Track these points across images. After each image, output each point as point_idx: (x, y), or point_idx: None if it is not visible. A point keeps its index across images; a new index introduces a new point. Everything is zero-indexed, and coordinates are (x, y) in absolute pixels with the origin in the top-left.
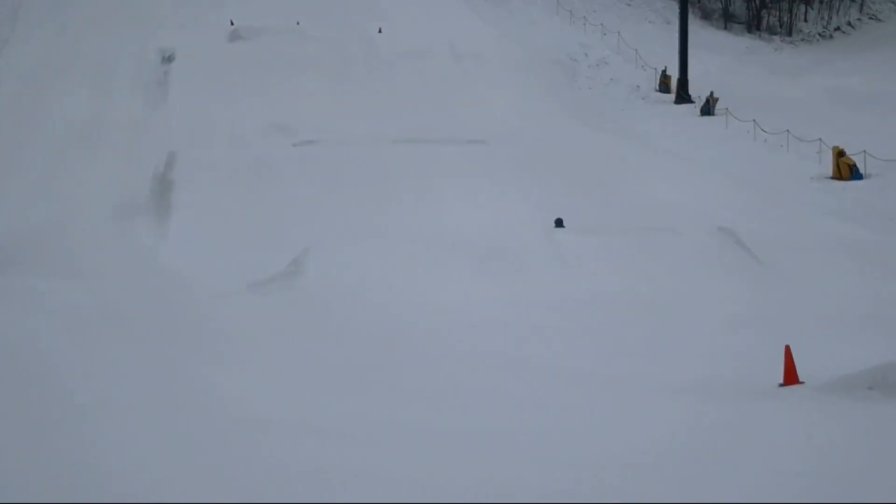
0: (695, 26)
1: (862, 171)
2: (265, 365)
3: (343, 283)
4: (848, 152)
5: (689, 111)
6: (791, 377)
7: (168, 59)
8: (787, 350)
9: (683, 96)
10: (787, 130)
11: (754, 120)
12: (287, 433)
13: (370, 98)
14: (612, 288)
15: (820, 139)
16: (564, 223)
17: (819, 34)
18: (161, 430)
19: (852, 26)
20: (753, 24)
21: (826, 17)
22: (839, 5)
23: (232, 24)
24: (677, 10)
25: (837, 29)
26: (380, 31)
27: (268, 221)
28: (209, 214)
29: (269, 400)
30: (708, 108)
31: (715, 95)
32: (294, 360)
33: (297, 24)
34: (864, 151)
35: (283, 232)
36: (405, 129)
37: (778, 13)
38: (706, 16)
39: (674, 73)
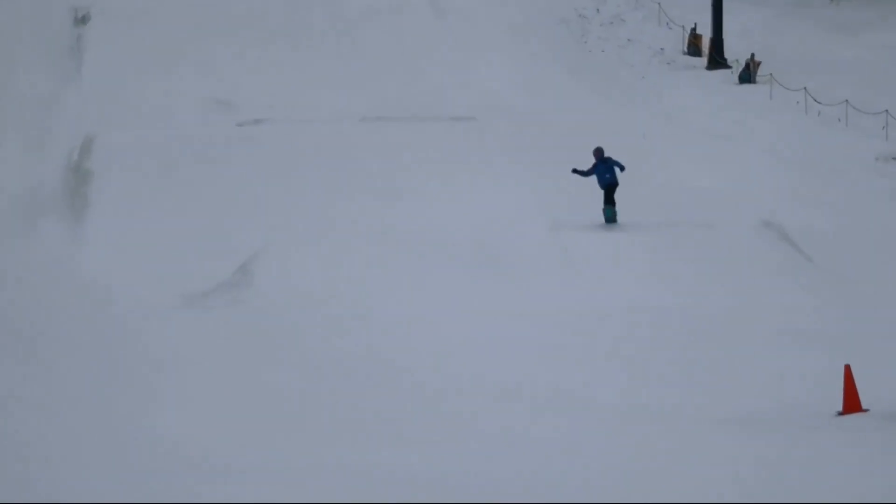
0: None
1: None
2: (208, 399)
3: (299, 295)
4: None
5: (725, 78)
6: (852, 404)
7: (82, 19)
8: (847, 371)
9: (718, 60)
10: (846, 101)
11: (805, 88)
12: (236, 482)
13: (332, 66)
14: (634, 298)
15: (886, 111)
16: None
17: None
18: (85, 478)
19: None
20: None
21: None
22: None
23: None
24: None
25: None
26: None
27: (207, 220)
28: (134, 212)
29: (215, 442)
30: (748, 75)
31: (756, 59)
32: (241, 393)
33: None
34: None
35: (226, 233)
36: (375, 105)
37: None
38: None
39: (705, 32)
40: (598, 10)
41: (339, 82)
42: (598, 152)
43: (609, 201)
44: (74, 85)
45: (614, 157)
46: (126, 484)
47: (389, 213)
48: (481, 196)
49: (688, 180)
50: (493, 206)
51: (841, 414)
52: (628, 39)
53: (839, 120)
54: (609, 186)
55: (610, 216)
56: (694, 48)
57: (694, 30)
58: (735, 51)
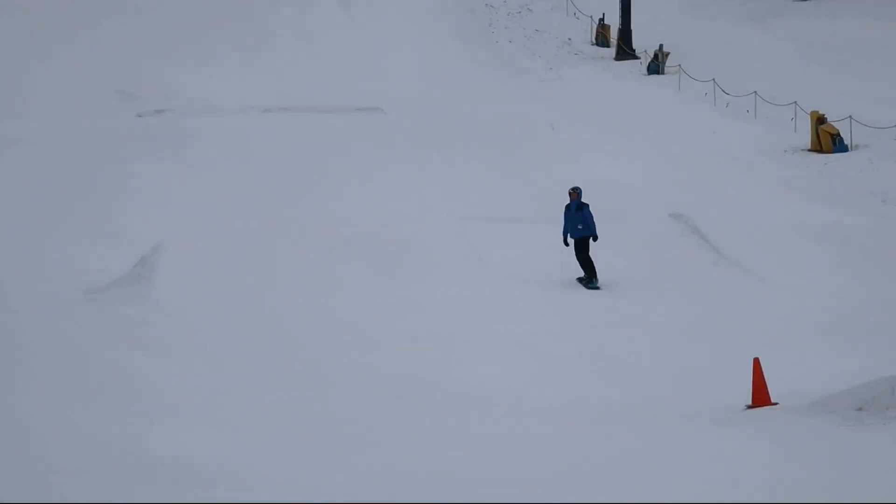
0: None
1: (847, 141)
2: (109, 395)
3: (203, 289)
4: (830, 119)
5: (634, 69)
6: (761, 397)
7: None
8: (756, 364)
9: (626, 51)
10: (755, 92)
11: (714, 79)
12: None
13: (234, 56)
14: (543, 292)
15: (795, 102)
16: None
17: None
18: None
19: None
20: None
21: None
22: None
23: None
24: None
25: None
26: None
27: (107, 212)
28: (26, 204)
29: (115, 439)
30: (656, 66)
31: (665, 49)
32: (143, 390)
33: None
34: (850, 117)
35: (126, 226)
36: (278, 95)
37: None
38: None
39: (614, 23)
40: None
41: (242, 73)
42: (575, 193)
43: (588, 266)
44: None
45: (520, 149)
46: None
47: (294, 205)
48: (388, 188)
49: (596, 172)
50: (400, 199)
51: (750, 407)
52: (536, 30)
53: (748, 111)
54: (583, 240)
55: (594, 285)
56: (602, 39)
57: (602, 20)
58: (643, 41)
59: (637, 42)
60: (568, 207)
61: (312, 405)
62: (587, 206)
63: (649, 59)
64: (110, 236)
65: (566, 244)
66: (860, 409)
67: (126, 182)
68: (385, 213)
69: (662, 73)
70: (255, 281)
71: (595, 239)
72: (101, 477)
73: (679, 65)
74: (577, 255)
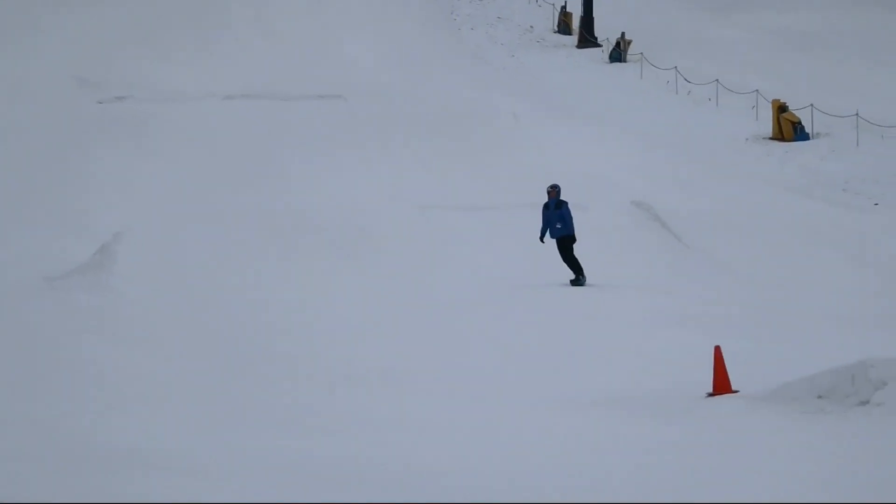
0: None
1: (808, 129)
2: (67, 382)
3: (163, 278)
4: (791, 107)
5: (596, 57)
6: (722, 385)
7: None
8: (718, 352)
9: (588, 39)
10: (717, 80)
11: (676, 67)
12: (98, 468)
13: (195, 43)
14: (503, 279)
15: (757, 91)
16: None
17: None
18: None
19: None
20: None
21: None
22: None
23: None
24: None
25: None
26: None
27: (68, 200)
28: None
29: (75, 427)
30: (618, 54)
31: (627, 37)
32: (103, 377)
33: None
34: (812, 105)
35: (87, 213)
36: (240, 83)
37: None
38: None
39: (576, 10)
40: None
41: (202, 60)
42: (554, 191)
43: (573, 264)
44: None
45: (482, 137)
46: None
47: (255, 193)
48: (349, 176)
49: (556, 160)
50: (361, 187)
51: (710, 395)
52: (498, 17)
53: (709, 99)
54: (563, 240)
55: (581, 282)
56: (564, 26)
57: (564, 7)
58: (606, 29)
59: (599, 30)
60: (546, 206)
61: (271, 394)
62: (566, 203)
63: (611, 47)
64: (70, 224)
65: (542, 241)
66: (821, 397)
67: (86, 169)
68: (346, 202)
69: (624, 61)
70: (214, 269)
71: (574, 239)
72: (54, 464)
73: (641, 53)
74: (560, 255)
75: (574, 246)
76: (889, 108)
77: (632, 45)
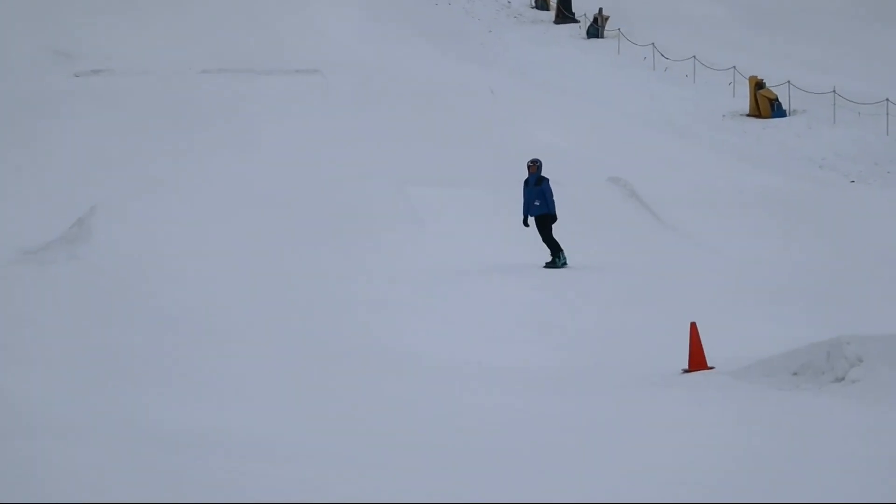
0: None
1: (785, 106)
2: (41, 355)
3: (139, 251)
4: (769, 84)
5: (573, 33)
6: (698, 361)
7: None
8: (693, 328)
9: (566, 14)
10: (694, 57)
11: (653, 44)
12: (73, 441)
13: (172, 17)
14: (481, 255)
15: (734, 67)
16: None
17: None
18: None
19: None
20: None
21: None
22: None
23: None
24: None
25: None
26: None
27: (43, 173)
28: None
29: (46, 399)
30: (596, 30)
31: (605, 13)
32: (79, 350)
33: None
34: (789, 82)
35: (62, 186)
36: (217, 57)
37: None
38: None
39: None
40: None
41: (180, 33)
42: (534, 166)
43: (552, 245)
44: None
45: (460, 113)
46: None
47: (233, 168)
48: (326, 151)
49: (533, 137)
50: (339, 163)
51: (686, 371)
52: None
53: (686, 76)
54: (542, 218)
55: (562, 262)
56: (542, 2)
57: None
58: (583, 5)
59: (577, 6)
60: (526, 182)
61: (246, 368)
62: (547, 180)
63: (589, 23)
64: (47, 197)
65: (525, 224)
66: (796, 373)
67: (63, 142)
68: (324, 177)
69: (602, 37)
70: (190, 243)
71: (554, 219)
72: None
73: (619, 29)
74: (540, 234)
75: (554, 226)
76: (866, 86)
77: (609, 21)
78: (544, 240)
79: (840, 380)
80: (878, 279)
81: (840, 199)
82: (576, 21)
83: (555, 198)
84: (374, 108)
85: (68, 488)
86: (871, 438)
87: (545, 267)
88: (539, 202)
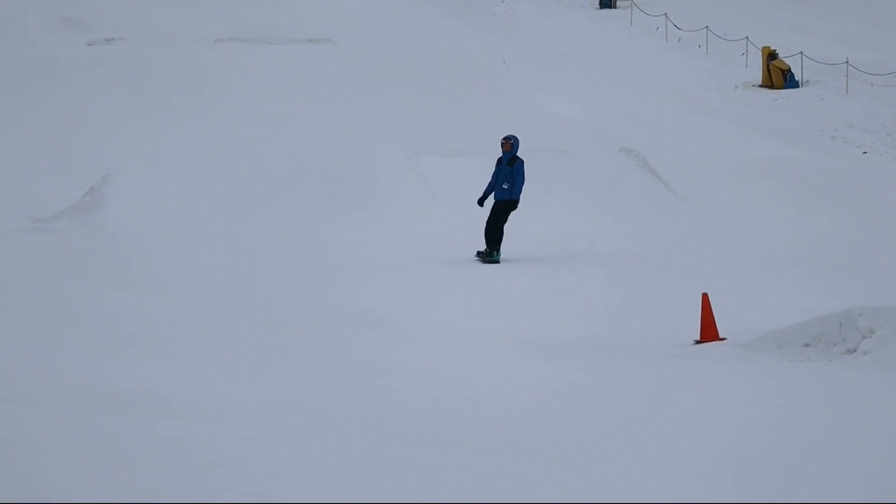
0: None
1: (798, 77)
2: (48, 323)
3: (153, 219)
4: (781, 54)
5: (586, 2)
6: (710, 332)
7: None
8: (705, 299)
9: None
10: (707, 27)
11: (666, 14)
12: (69, 409)
13: None
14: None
15: (747, 38)
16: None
17: None
18: None
19: None
20: None
21: None
22: None
23: None
24: None
25: None
26: None
27: (57, 141)
28: None
29: (46, 368)
30: (609, 0)
31: None
32: (84, 318)
33: None
34: (801, 53)
35: (76, 155)
36: (230, 26)
37: None
38: None
39: None
40: None
41: (193, 2)
42: (508, 144)
43: (497, 235)
44: None
45: (472, 83)
46: None
47: (244, 136)
48: (339, 120)
49: (546, 106)
50: (351, 131)
51: (698, 342)
52: None
53: (699, 46)
54: (504, 204)
55: (494, 258)
56: None
57: None
58: None
59: None
60: (499, 161)
61: (260, 337)
62: (521, 161)
63: None
64: (60, 165)
65: (480, 204)
66: (807, 345)
67: (76, 111)
68: (335, 146)
69: (615, 7)
70: (204, 212)
71: (514, 205)
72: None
73: None
74: (489, 219)
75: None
76: (879, 57)
77: None
78: (490, 226)
79: (852, 351)
80: (890, 250)
81: (852, 171)
82: None
83: (563, 168)
84: (386, 78)
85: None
86: (884, 409)
87: (478, 256)
88: (507, 185)
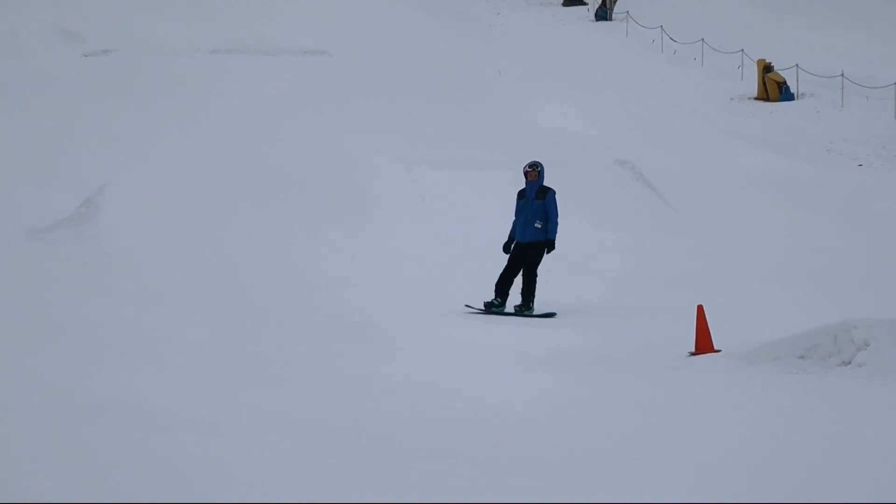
0: None
1: (793, 90)
2: (43, 332)
3: (148, 230)
4: (777, 67)
5: (581, 14)
6: (704, 344)
7: None
8: (700, 311)
9: None
10: (702, 40)
11: (662, 27)
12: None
13: None
14: (486, 236)
15: (742, 50)
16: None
17: None
18: None
19: None
20: None
21: None
22: None
23: None
24: None
25: None
26: None
27: (53, 152)
28: None
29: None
30: (604, 12)
31: None
32: (78, 327)
33: None
34: (797, 66)
35: (71, 166)
36: (225, 37)
37: None
38: None
39: None
40: None
41: (188, 14)
42: (534, 172)
43: (532, 284)
44: None
45: (467, 94)
46: None
47: (239, 147)
48: (334, 131)
49: (541, 118)
50: (346, 142)
51: (693, 354)
52: None
53: (695, 59)
54: (535, 246)
55: (531, 310)
56: None
57: None
58: None
59: None
60: (521, 193)
61: (251, 346)
62: (552, 192)
63: (597, 6)
64: (55, 176)
65: (506, 250)
66: (803, 357)
67: (71, 122)
68: (331, 157)
69: (610, 19)
70: (199, 222)
71: (551, 247)
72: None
73: (627, 12)
74: (512, 267)
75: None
76: (874, 70)
77: (617, 4)
78: (526, 274)
79: (847, 363)
80: (885, 263)
81: (847, 183)
82: (584, 3)
83: (557, 181)
84: (381, 90)
85: None
86: (879, 421)
87: (515, 314)
88: (540, 224)
